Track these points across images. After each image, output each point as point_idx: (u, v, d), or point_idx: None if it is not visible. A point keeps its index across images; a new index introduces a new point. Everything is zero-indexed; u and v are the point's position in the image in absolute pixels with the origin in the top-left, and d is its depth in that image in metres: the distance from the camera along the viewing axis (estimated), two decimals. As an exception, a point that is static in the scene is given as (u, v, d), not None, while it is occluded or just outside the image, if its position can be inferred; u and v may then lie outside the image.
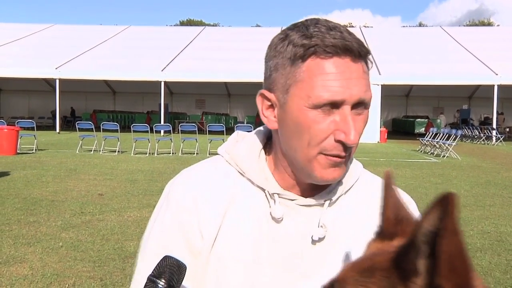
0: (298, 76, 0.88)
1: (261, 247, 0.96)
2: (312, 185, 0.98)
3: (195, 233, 0.97)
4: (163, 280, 0.78)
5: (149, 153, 15.85)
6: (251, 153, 1.01)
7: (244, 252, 0.96)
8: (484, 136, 26.71)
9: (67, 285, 4.23)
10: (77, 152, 15.89)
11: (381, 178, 1.09)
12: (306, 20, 0.91)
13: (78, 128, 17.59)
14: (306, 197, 0.98)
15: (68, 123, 32.20)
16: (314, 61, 0.86)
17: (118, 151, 15.96)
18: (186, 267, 0.81)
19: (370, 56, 0.91)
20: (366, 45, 0.90)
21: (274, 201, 0.97)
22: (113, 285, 4.26)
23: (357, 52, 0.86)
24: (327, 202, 0.98)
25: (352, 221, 1.00)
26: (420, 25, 77.65)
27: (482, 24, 73.04)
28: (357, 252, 0.99)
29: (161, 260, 0.81)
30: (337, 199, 1.00)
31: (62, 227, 6.12)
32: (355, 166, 1.04)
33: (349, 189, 1.02)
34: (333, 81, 0.86)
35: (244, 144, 1.03)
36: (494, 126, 27.44)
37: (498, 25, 64.57)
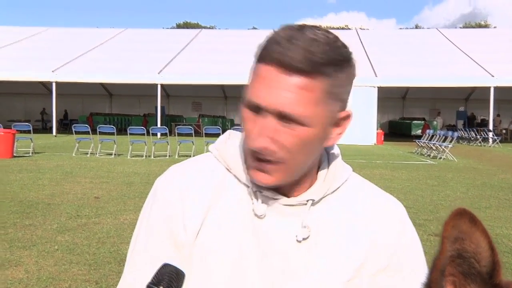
0: (250, 73, 0.93)
1: (245, 243, 0.96)
2: (295, 185, 0.99)
3: (179, 225, 0.97)
4: None
5: (145, 155, 15.85)
6: (239, 151, 1.02)
7: (227, 247, 0.96)
8: (480, 138, 26.77)
9: (62, 289, 4.22)
10: (73, 155, 15.86)
11: (370, 182, 1.10)
12: (292, 26, 0.91)
13: (74, 131, 17.55)
14: (289, 197, 0.99)
15: (65, 126, 32.15)
16: (259, 64, 0.90)
17: (115, 154, 15.94)
18: (184, 274, 0.81)
19: (330, 76, 0.87)
20: (332, 65, 0.87)
21: (257, 199, 0.98)
22: (108, 289, 4.25)
23: (293, 67, 0.85)
24: (310, 202, 0.99)
25: (337, 222, 1.00)
26: (417, 27, 77.82)
27: (479, 26, 73.18)
28: (341, 253, 1.00)
29: (160, 267, 0.81)
30: (320, 199, 1.00)
31: (58, 230, 6.10)
32: (343, 169, 1.05)
33: (335, 190, 1.02)
34: (259, 85, 0.88)
35: (234, 141, 1.05)
36: (491, 128, 27.51)
37: (495, 27, 64.78)
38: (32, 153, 15.80)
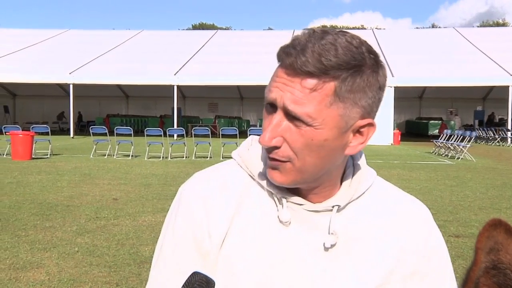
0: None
1: (270, 251, 0.96)
2: (319, 191, 0.98)
3: (203, 235, 0.97)
4: None
5: (162, 157, 15.92)
6: (262, 157, 1.02)
7: (252, 255, 0.96)
8: (499, 137, 26.47)
9: (83, 291, 4.25)
10: (91, 156, 16.00)
11: (394, 186, 1.09)
12: (315, 30, 0.91)
13: (92, 132, 17.70)
14: (314, 203, 0.99)
15: (82, 128, 32.43)
16: (278, 65, 0.92)
17: (132, 156, 16.05)
18: (214, 283, 0.81)
19: (341, 79, 0.87)
20: (344, 69, 0.86)
21: (282, 205, 0.97)
22: (129, 291, 4.27)
23: (299, 69, 0.87)
24: (336, 208, 0.98)
25: (363, 228, 1.00)
26: (433, 26, 77.19)
27: (496, 24, 72.35)
28: (369, 259, 0.99)
29: (190, 276, 0.81)
30: (346, 205, 1.00)
31: (77, 232, 6.15)
32: (368, 173, 1.04)
33: (360, 196, 1.01)
34: (274, 83, 0.91)
35: (256, 148, 1.04)
36: (509, 127, 27.18)
37: (512, 25, 63.93)
38: (50, 155, 15.96)
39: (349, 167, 1.02)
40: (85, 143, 21.73)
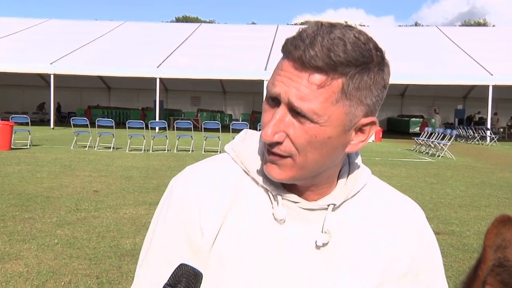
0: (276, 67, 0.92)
1: (264, 249, 0.94)
2: (315, 189, 0.97)
3: (196, 230, 0.95)
4: None
5: (144, 149, 15.81)
6: (257, 151, 1.00)
7: (245, 252, 0.94)
8: (478, 136, 26.82)
9: (63, 283, 4.20)
10: (71, 148, 15.83)
11: (388, 185, 1.08)
12: (323, 23, 0.88)
13: (73, 124, 17.50)
14: (309, 201, 0.97)
15: (63, 119, 32.06)
16: (283, 58, 0.89)
17: (113, 148, 15.91)
18: (202, 275, 0.79)
19: (349, 76, 0.85)
20: (353, 66, 0.84)
21: (277, 203, 0.96)
22: (109, 283, 4.23)
23: (307, 63, 0.84)
24: (331, 207, 0.97)
25: (357, 227, 0.99)
26: (416, 24, 77.78)
27: (478, 24, 73.16)
28: (363, 259, 0.98)
29: (177, 268, 0.79)
30: (341, 204, 0.98)
31: (57, 223, 6.08)
32: (362, 172, 1.03)
33: (355, 194, 1.00)
34: (278, 77, 0.88)
35: (251, 142, 1.02)
36: (489, 126, 27.55)
37: (493, 26, 64.75)
38: (30, 145, 15.75)
39: (345, 165, 1.01)
40: (66, 134, 21.49)
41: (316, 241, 0.95)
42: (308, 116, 0.86)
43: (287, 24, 57.63)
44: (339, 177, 1.00)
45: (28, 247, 5.12)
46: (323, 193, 0.98)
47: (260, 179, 0.97)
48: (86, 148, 15.84)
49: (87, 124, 17.35)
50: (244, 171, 0.99)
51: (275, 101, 0.89)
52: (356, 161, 1.03)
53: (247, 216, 0.96)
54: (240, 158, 1.00)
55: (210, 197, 0.96)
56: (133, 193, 8.19)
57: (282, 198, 0.96)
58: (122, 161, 12.94)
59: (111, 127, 17.06)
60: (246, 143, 1.02)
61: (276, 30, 36.11)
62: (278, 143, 0.89)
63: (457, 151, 18.43)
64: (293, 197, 0.96)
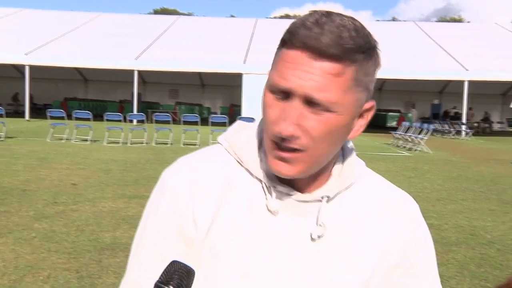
0: (275, 59, 0.89)
1: (257, 240, 0.93)
2: (311, 180, 0.95)
3: (188, 221, 0.94)
4: (171, 287, 0.74)
5: (122, 142, 15.66)
6: (251, 143, 0.99)
7: (238, 244, 0.93)
8: (454, 130, 27.20)
9: (41, 277, 4.13)
10: (48, 140, 15.59)
11: (383, 177, 1.08)
12: (319, 12, 0.87)
13: (49, 116, 17.23)
14: (303, 193, 0.96)
15: (38, 110, 31.53)
16: (286, 48, 0.87)
17: (91, 140, 15.73)
18: (194, 272, 0.78)
19: (359, 63, 0.85)
20: (361, 52, 0.85)
21: (271, 194, 0.94)
22: (89, 277, 4.18)
23: (324, 52, 0.83)
24: (325, 199, 0.96)
25: (351, 219, 0.98)
26: (393, 19, 78.41)
27: (453, 20, 74.09)
28: (357, 251, 0.97)
29: (169, 265, 0.77)
30: (335, 196, 0.97)
31: (34, 217, 5.98)
32: (356, 164, 1.02)
33: (349, 186, 0.99)
34: (288, 70, 0.85)
35: (245, 133, 1.00)
36: (464, 121, 27.95)
37: (468, 22, 65.60)
38: (4, 137, 15.47)
39: (339, 157, 1.00)
40: (42, 126, 21.14)
41: (311, 234, 0.94)
42: (327, 106, 0.85)
43: (266, 17, 57.55)
44: (333, 169, 0.99)
45: (4, 241, 5.03)
46: (318, 185, 0.97)
47: (254, 170, 0.96)
48: (63, 141, 15.63)
49: (63, 116, 17.11)
50: (238, 162, 0.98)
51: (283, 94, 0.87)
52: (350, 153, 1.02)
53: (240, 208, 0.94)
54: (233, 149, 0.99)
55: (203, 188, 0.95)
56: (112, 186, 8.10)
57: (276, 190, 0.94)
58: (100, 153, 12.80)
59: (89, 119, 16.85)
60: (239, 134, 1.01)
61: (255, 24, 36.05)
62: (294, 137, 0.87)
63: (433, 145, 18.65)
64: (287, 189, 0.95)
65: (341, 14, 0.88)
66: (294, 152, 0.88)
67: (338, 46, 0.83)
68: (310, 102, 0.85)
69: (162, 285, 0.75)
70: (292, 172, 0.90)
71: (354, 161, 1.01)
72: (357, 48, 0.84)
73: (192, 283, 0.77)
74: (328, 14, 0.86)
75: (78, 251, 4.81)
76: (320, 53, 0.83)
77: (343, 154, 1.01)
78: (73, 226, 5.65)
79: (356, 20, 0.87)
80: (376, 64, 0.90)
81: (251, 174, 0.96)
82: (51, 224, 5.70)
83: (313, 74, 0.84)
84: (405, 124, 20.84)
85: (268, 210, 0.94)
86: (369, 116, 0.94)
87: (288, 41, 0.86)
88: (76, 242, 5.08)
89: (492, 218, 6.89)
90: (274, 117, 0.87)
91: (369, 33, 0.88)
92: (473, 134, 26.98)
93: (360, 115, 0.92)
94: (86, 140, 15.74)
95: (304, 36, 0.84)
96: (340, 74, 0.84)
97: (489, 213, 7.18)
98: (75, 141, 15.67)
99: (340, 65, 0.84)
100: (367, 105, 0.92)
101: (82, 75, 36.84)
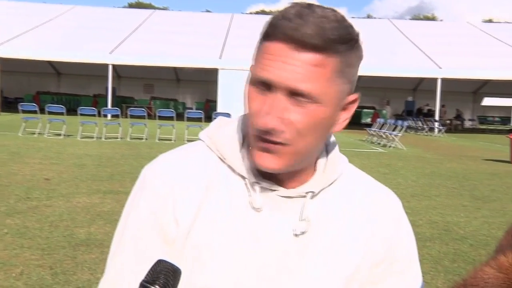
0: (256, 53, 0.88)
1: (240, 238, 0.92)
2: (295, 176, 0.94)
3: (169, 220, 0.92)
4: (157, 287, 0.72)
5: (96, 137, 15.47)
6: (234, 139, 0.97)
7: (221, 242, 0.92)
8: (427, 127, 27.59)
9: (13, 274, 4.05)
10: (19, 134, 15.31)
11: (365, 173, 1.08)
12: (300, 4, 0.87)
13: (21, 110, 16.91)
14: (288, 188, 0.95)
15: (9, 104, 30.92)
16: (267, 41, 0.86)
17: (64, 135, 15.49)
18: (181, 271, 0.76)
19: (342, 54, 0.84)
20: (343, 43, 0.84)
21: (255, 190, 0.93)
22: (63, 274, 4.11)
23: (306, 43, 0.82)
24: (310, 195, 0.95)
25: (334, 215, 0.97)
26: (368, 17, 79.02)
27: (427, 18, 75.05)
28: (340, 247, 0.97)
29: (155, 264, 0.76)
30: (319, 192, 0.97)
31: (6, 213, 5.86)
32: (340, 159, 1.01)
33: (332, 182, 0.99)
34: (269, 61, 0.84)
35: (227, 129, 0.99)
36: (437, 118, 28.36)
37: (441, 20, 66.54)
38: (-25, 131, 15.15)
39: (322, 152, 0.99)
40: (13, 120, 20.74)
41: (294, 229, 0.93)
42: (310, 97, 0.84)
43: (242, 13, 57.44)
44: (317, 165, 0.98)
45: (-24, 237, 4.92)
46: (302, 180, 0.96)
47: (236, 166, 0.95)
48: (35, 135, 15.37)
49: (36, 110, 16.81)
50: (220, 158, 0.96)
51: (265, 86, 0.86)
52: (333, 148, 1.01)
53: (223, 205, 0.93)
54: (216, 146, 0.97)
55: (185, 186, 0.93)
56: (86, 182, 7.99)
57: (260, 186, 0.93)
58: (74, 148, 12.62)
59: (62, 113, 16.59)
60: (221, 130, 0.99)
61: (231, 19, 35.94)
62: (277, 131, 0.85)
63: (407, 142, 18.88)
64: (271, 184, 0.94)
65: (322, 6, 0.87)
66: (279, 145, 0.87)
67: (321, 36, 0.82)
68: (294, 94, 0.84)
69: (148, 285, 0.73)
70: (278, 166, 0.89)
71: (337, 157, 1.01)
72: (339, 39, 0.83)
73: (178, 282, 0.76)
74: (309, 6, 0.86)
75: (52, 247, 4.73)
76: (302, 44, 0.82)
77: (326, 149, 1.00)
78: (47, 222, 5.56)
79: (337, 12, 0.87)
80: (358, 56, 0.89)
81: (234, 171, 0.95)
82: (24, 220, 5.59)
83: (296, 66, 0.83)
84: (380, 120, 21.06)
85: (252, 207, 0.93)
86: (352, 109, 0.93)
87: (270, 33, 0.85)
88: (50, 238, 5.00)
89: (465, 213, 7.01)
90: (257, 110, 0.86)
91: (350, 24, 0.87)
92: (446, 131, 27.43)
93: (344, 108, 0.92)
94: (59, 135, 15.50)
95: (285, 28, 0.83)
96: (323, 65, 0.84)
97: (462, 209, 7.30)
98: (48, 136, 15.42)
99: (323, 56, 0.83)
100: (351, 98, 0.92)
101: (55, 69, 36.26)
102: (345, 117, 0.93)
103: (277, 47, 0.84)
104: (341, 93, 0.88)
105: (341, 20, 0.85)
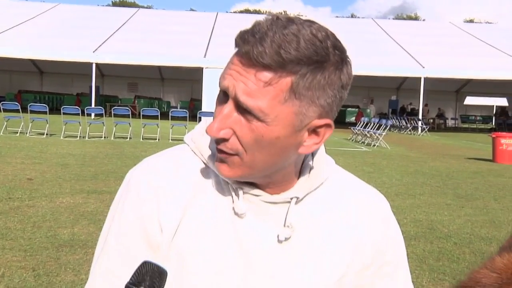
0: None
1: (224, 244, 0.91)
2: (276, 185, 0.94)
3: (154, 225, 0.91)
4: None
5: (80, 136, 15.34)
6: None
7: (206, 248, 0.91)
8: (410, 126, 27.81)
9: (-4, 276, 3.99)
10: (1, 134, 15.12)
11: (353, 175, 1.07)
12: (280, 17, 0.84)
13: (2, 108, 16.70)
14: (272, 194, 0.94)
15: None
16: (235, 52, 0.86)
17: (47, 134, 15.33)
18: (167, 273, 0.75)
19: (300, 75, 0.81)
20: (305, 64, 0.80)
21: (238, 196, 0.92)
22: (47, 275, 4.06)
23: (259, 62, 0.80)
24: (294, 200, 0.94)
25: (321, 220, 0.96)
26: (352, 16, 79.40)
27: (410, 18, 75.66)
28: (327, 252, 0.96)
29: (140, 266, 0.74)
30: (305, 196, 0.96)
31: (-12, 213, 5.78)
32: (325, 162, 1.00)
33: (318, 186, 0.97)
34: (229, 70, 0.85)
35: None
36: (420, 117, 28.60)
37: (424, 20, 67.12)
38: (-45, 131, 14.93)
39: (308, 157, 0.97)
40: (-6, 119, 20.49)
41: (278, 236, 0.93)
42: (254, 114, 0.82)
43: (227, 12, 57.36)
44: (302, 169, 0.96)
45: (-44, 238, 4.84)
46: (286, 186, 0.95)
47: None
48: (17, 134, 15.19)
49: (18, 109, 16.61)
50: (204, 163, 0.95)
51: (225, 95, 0.85)
52: (319, 152, 0.99)
53: (207, 210, 0.92)
54: (200, 150, 0.96)
55: (169, 191, 0.92)
56: (70, 181, 7.91)
57: (243, 192, 0.92)
58: (57, 148, 12.48)
59: (45, 112, 16.40)
60: (206, 134, 0.97)
61: (216, 18, 35.87)
62: (224, 140, 0.85)
63: (391, 140, 19.01)
64: (255, 190, 0.93)
65: (307, 22, 0.84)
66: (229, 155, 0.87)
67: (274, 55, 0.79)
68: (242, 109, 0.83)
69: (134, 287, 0.72)
70: (230, 174, 0.89)
71: (323, 160, 0.99)
72: (298, 59, 0.80)
73: (164, 284, 0.75)
74: (288, 20, 0.83)
75: (35, 248, 4.66)
76: (256, 63, 0.81)
77: (312, 154, 0.98)
78: (29, 223, 5.48)
79: (322, 31, 0.84)
80: (332, 79, 0.84)
81: (218, 176, 0.94)
82: (5, 221, 5.51)
83: (249, 80, 0.82)
84: (364, 119, 21.16)
85: (235, 212, 0.92)
86: (325, 133, 0.89)
87: (236, 45, 0.85)
88: (33, 239, 4.93)
89: (449, 212, 7.06)
90: (214, 117, 0.87)
91: (332, 45, 0.83)
92: (429, 130, 27.65)
93: (314, 132, 0.88)
94: (42, 134, 15.34)
95: (242, 42, 0.82)
96: (271, 83, 0.81)
97: (445, 207, 7.35)
98: (30, 135, 15.25)
99: (272, 74, 0.81)
100: (319, 122, 0.87)
101: (38, 67, 35.88)
102: (314, 141, 0.88)
103: (236, 59, 0.84)
104: (297, 115, 0.84)
105: (316, 40, 0.81)
